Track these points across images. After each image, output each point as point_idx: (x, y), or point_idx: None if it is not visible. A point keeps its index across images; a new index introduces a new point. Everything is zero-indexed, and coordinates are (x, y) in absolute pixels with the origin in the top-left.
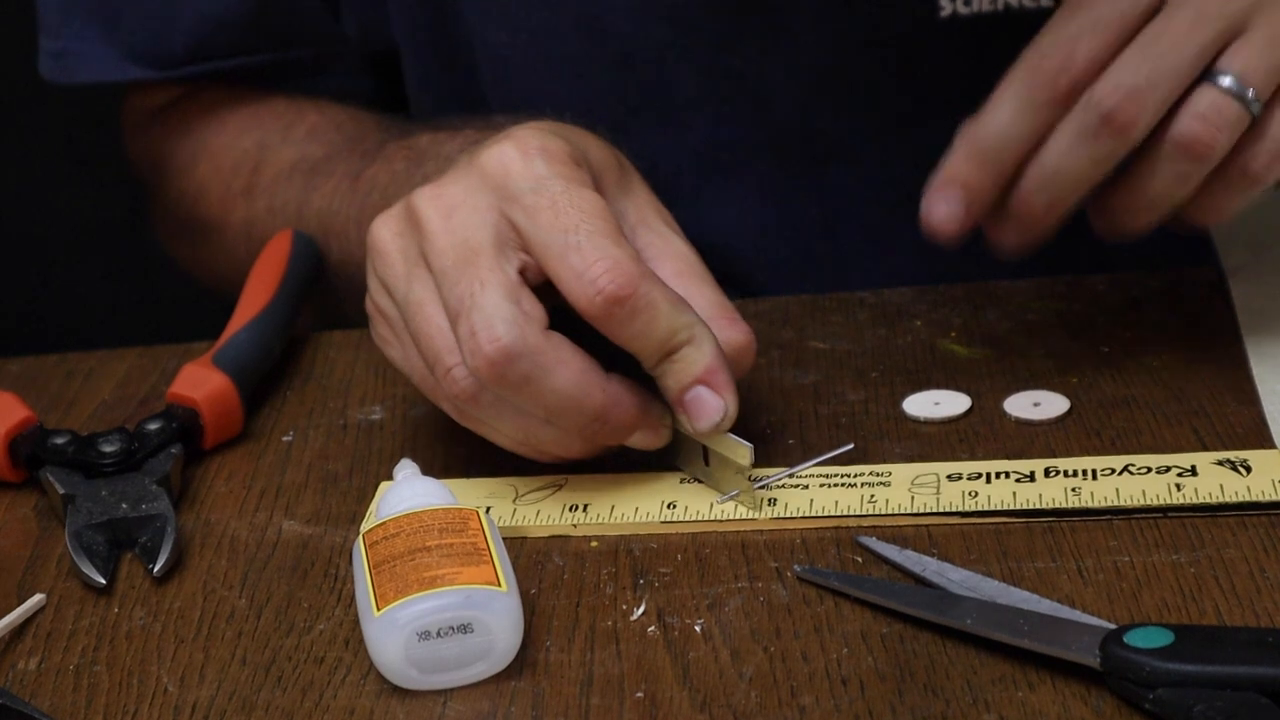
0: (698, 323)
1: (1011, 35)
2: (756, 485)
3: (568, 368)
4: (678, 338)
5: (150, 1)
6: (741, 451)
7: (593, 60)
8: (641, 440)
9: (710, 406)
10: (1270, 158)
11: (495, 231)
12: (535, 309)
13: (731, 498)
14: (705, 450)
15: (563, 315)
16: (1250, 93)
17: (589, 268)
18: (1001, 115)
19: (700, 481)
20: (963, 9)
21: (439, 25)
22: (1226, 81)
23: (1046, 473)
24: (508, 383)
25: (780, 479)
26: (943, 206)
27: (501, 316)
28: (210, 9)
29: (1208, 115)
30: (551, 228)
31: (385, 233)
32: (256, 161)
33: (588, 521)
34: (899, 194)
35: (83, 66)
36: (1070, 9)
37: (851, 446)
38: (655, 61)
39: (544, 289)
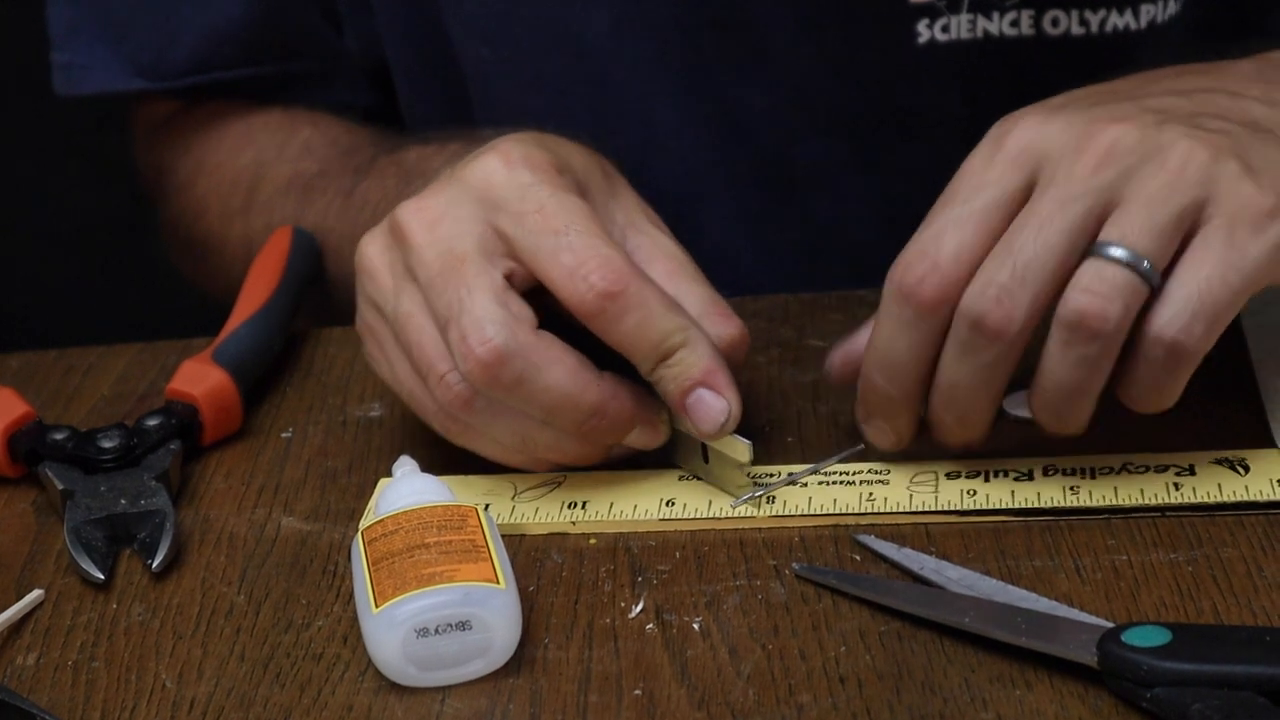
0: (691, 325)
1: (990, 63)
2: (760, 491)
3: (561, 365)
4: (672, 340)
5: (154, 15)
6: (741, 449)
7: (572, 78)
8: (640, 438)
9: (714, 408)
10: (1185, 320)
11: (480, 240)
12: (524, 310)
13: (743, 501)
14: (704, 448)
15: (553, 325)
16: (1142, 262)
17: (581, 265)
18: (883, 339)
19: (700, 479)
20: (940, 36)
21: (425, 40)
22: (1111, 251)
23: (1045, 471)
24: (501, 384)
25: (789, 481)
26: (876, 435)
27: (490, 318)
28: (212, 22)
29: (1092, 286)
30: (541, 230)
31: (372, 250)
32: (253, 179)
33: (586, 519)
34: (880, 221)
35: (89, 78)
36: (939, 204)
37: (862, 447)
38: (634, 82)
39: (531, 298)
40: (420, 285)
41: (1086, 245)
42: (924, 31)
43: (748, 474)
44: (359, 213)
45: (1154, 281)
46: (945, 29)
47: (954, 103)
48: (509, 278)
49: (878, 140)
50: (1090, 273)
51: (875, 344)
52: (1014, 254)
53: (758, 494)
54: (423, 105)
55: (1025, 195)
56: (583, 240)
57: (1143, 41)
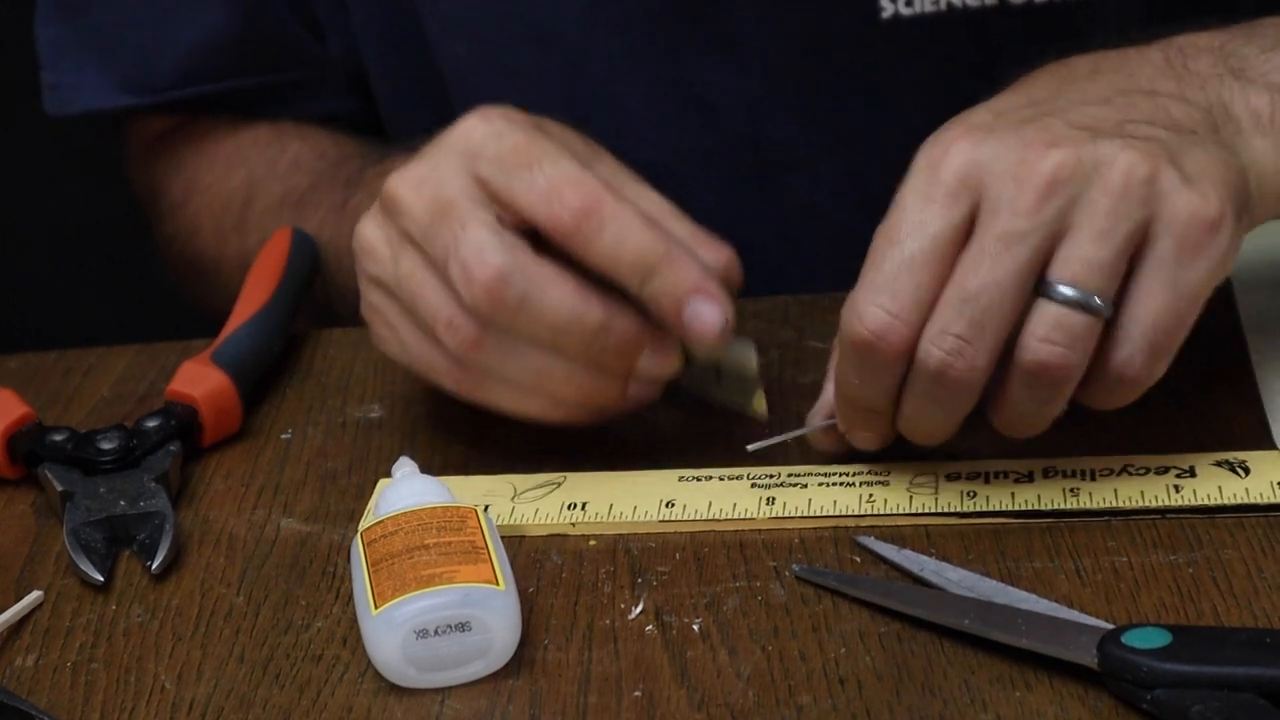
0: (673, 241)
1: (955, 35)
2: (775, 439)
3: (563, 283)
4: (654, 252)
5: (139, 32)
6: (748, 356)
7: (544, 72)
8: (652, 364)
9: (710, 314)
10: (1144, 359)
11: (465, 187)
12: (519, 239)
13: (761, 447)
14: (717, 371)
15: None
16: (1093, 299)
17: (555, 188)
18: (849, 379)
19: (710, 401)
20: (904, 10)
21: (402, 40)
22: (1064, 292)
23: (1045, 473)
24: (506, 306)
25: (784, 439)
26: (860, 442)
27: (488, 245)
28: (195, 36)
29: (1051, 336)
30: (517, 165)
31: (367, 228)
32: (246, 197)
33: (586, 520)
34: (857, 201)
35: (77, 97)
36: (882, 241)
37: (805, 430)
38: (605, 73)
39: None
40: (416, 242)
41: (1036, 279)
42: (887, 5)
43: (759, 387)
44: (352, 226)
45: (1107, 313)
46: (909, 2)
47: (923, 77)
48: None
49: (850, 118)
50: (1048, 320)
51: (841, 386)
52: (968, 300)
53: (774, 441)
54: (401, 106)
55: (968, 225)
56: (556, 168)
57: (1106, 7)
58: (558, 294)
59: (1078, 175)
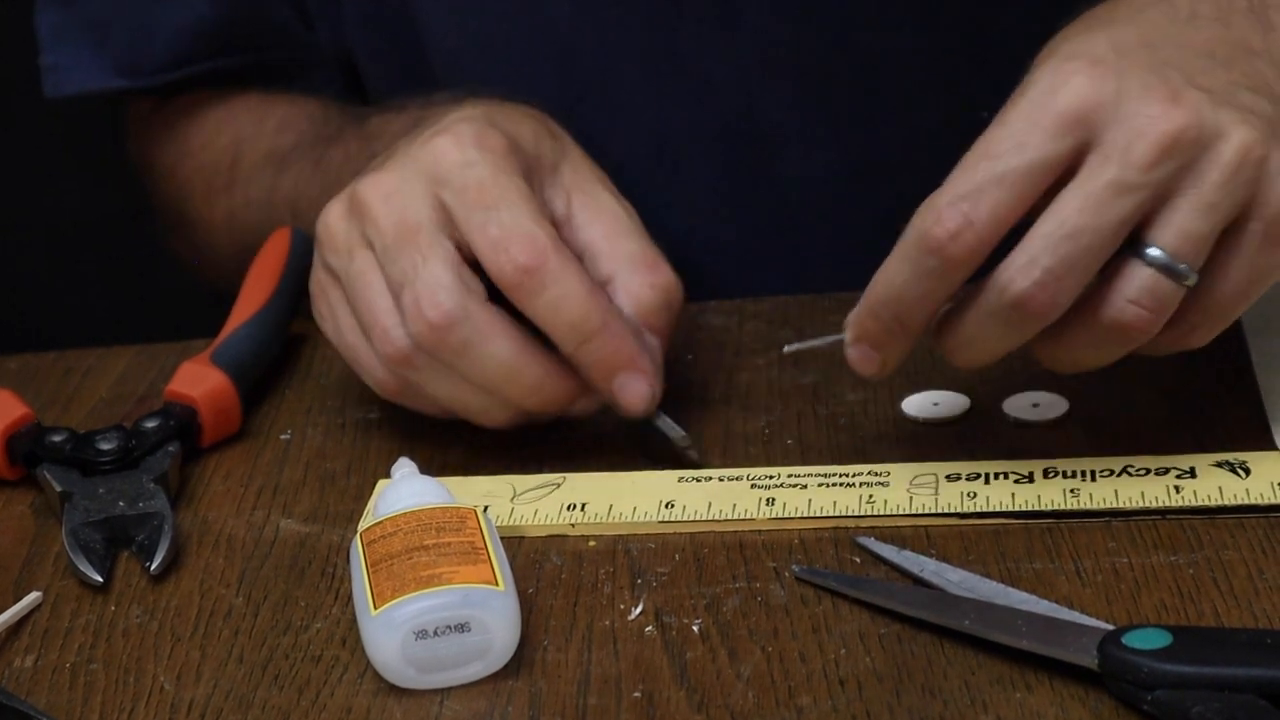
0: (613, 310)
1: (952, 13)
2: (798, 346)
3: (507, 337)
4: (590, 322)
5: (133, 16)
6: (672, 430)
7: (536, 50)
8: (581, 407)
9: (637, 390)
10: (1207, 330)
11: (431, 211)
12: (474, 282)
13: (796, 349)
14: None
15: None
16: (1184, 266)
17: (504, 238)
18: (897, 279)
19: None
20: None
21: (391, 25)
22: (1158, 255)
23: (1045, 474)
24: (448, 348)
25: (820, 344)
26: (861, 362)
27: (443, 284)
28: (184, 20)
29: (1142, 299)
30: (475, 204)
31: (331, 217)
32: (233, 157)
33: (585, 521)
34: (851, 176)
35: (73, 79)
36: (978, 153)
37: (843, 336)
38: (598, 49)
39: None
40: (375, 252)
41: (1130, 234)
42: None
43: (686, 443)
44: (325, 177)
45: (1189, 284)
46: None
47: (916, 48)
48: (458, 251)
49: (844, 93)
50: (1139, 282)
51: (887, 283)
52: (1067, 238)
53: (810, 344)
54: (389, 92)
55: (1070, 160)
56: (510, 216)
57: None
58: (499, 347)
59: (1197, 141)
